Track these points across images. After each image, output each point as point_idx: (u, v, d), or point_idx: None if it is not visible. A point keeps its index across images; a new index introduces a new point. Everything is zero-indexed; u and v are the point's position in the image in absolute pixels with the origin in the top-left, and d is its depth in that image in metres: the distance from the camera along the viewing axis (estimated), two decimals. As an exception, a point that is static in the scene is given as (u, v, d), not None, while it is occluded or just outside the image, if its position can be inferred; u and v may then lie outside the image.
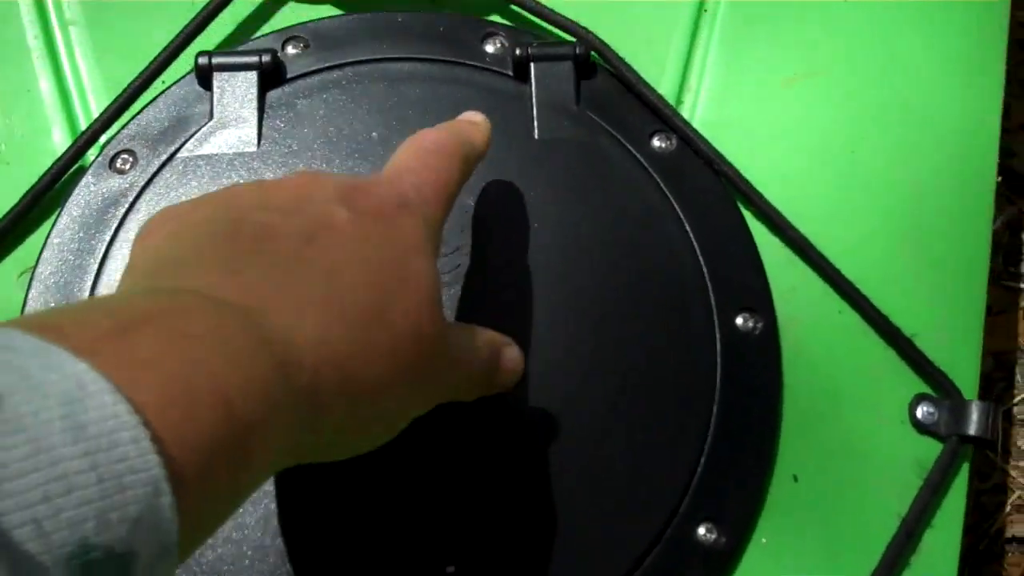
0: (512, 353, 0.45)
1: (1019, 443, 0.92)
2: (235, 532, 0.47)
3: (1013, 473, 0.91)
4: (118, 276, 0.50)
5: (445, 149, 0.43)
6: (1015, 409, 0.92)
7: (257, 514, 0.47)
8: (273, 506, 0.47)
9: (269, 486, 0.47)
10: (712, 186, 0.54)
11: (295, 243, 0.35)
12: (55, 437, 0.23)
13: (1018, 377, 0.92)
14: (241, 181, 0.52)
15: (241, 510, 0.47)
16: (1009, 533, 0.89)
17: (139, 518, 0.24)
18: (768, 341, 0.52)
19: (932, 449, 0.51)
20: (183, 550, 0.26)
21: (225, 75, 0.54)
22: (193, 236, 0.35)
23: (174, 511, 0.25)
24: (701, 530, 0.48)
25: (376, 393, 0.35)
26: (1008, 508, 0.90)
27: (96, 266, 0.51)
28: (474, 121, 0.47)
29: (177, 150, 0.53)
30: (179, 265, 0.34)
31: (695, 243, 0.52)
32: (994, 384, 0.92)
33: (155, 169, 0.53)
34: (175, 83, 0.55)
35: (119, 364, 0.26)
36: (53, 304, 0.50)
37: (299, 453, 0.34)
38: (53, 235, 0.51)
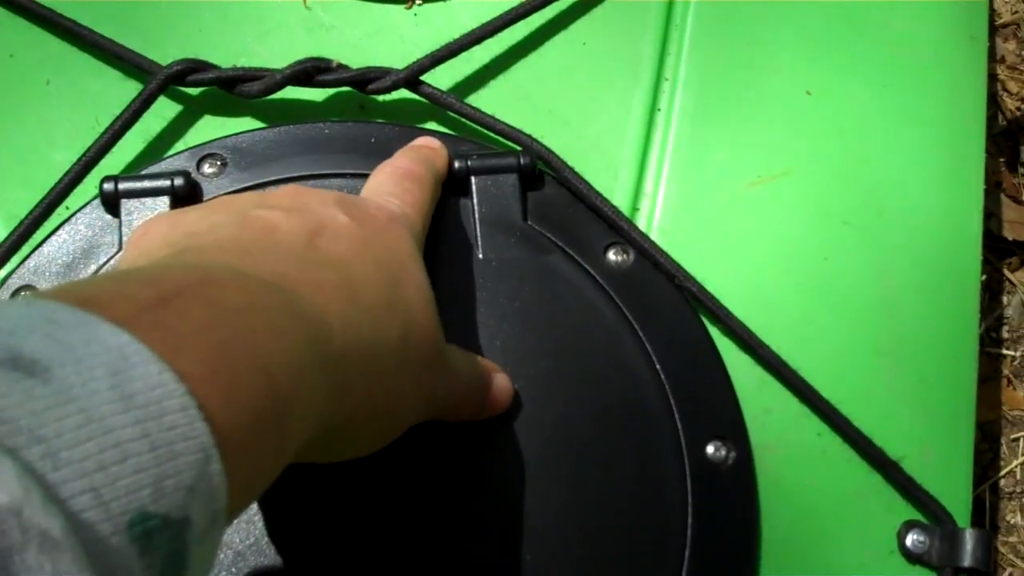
0: (502, 380, 0.47)
1: (1007, 518, 0.90)
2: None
3: (1003, 550, 0.90)
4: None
5: (415, 174, 0.46)
6: (1001, 482, 0.91)
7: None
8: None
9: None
10: (674, 302, 0.51)
11: (302, 237, 0.37)
12: (105, 407, 0.24)
13: (1003, 448, 0.91)
14: None
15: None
16: (1001, 611, 0.88)
17: (193, 486, 0.25)
18: (742, 470, 0.49)
19: (925, 581, 0.49)
20: (227, 519, 0.28)
21: (134, 202, 0.50)
22: (198, 227, 0.37)
23: (223, 478, 0.26)
24: None
25: (390, 380, 0.37)
26: (998, 586, 0.88)
27: None
28: (433, 147, 0.50)
29: (84, 285, 0.50)
30: (197, 246, 0.36)
31: (659, 366, 0.49)
32: (980, 456, 0.91)
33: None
34: (79, 210, 0.51)
35: (160, 335, 0.26)
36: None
37: (314, 442, 0.34)
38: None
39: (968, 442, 0.51)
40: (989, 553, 0.48)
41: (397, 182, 0.46)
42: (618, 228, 0.52)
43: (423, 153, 0.49)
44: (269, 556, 0.45)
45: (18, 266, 0.50)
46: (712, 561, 0.47)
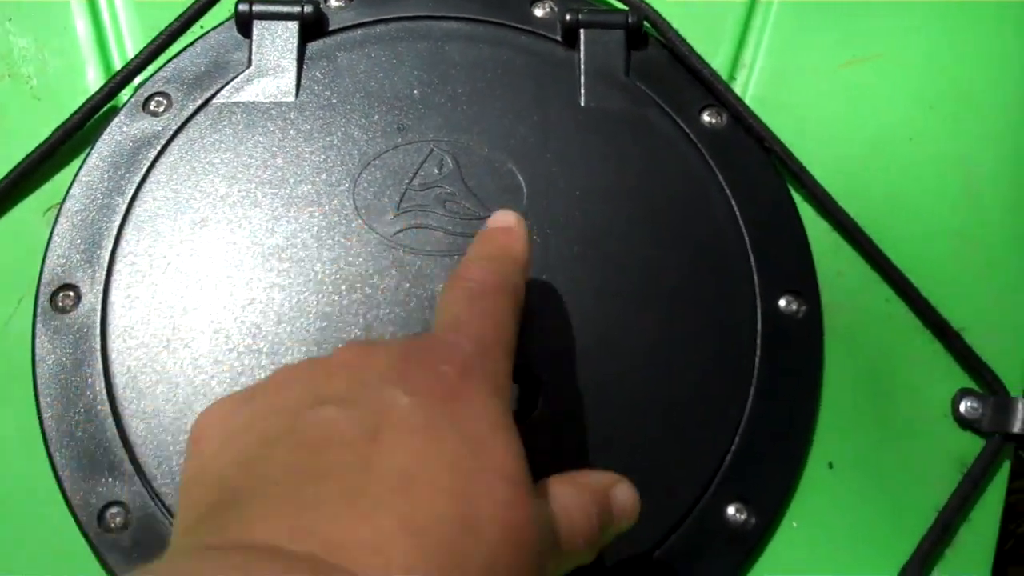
0: (624, 492, 0.41)
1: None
2: None
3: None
4: (147, 218, 0.52)
5: (493, 286, 0.42)
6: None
7: None
8: None
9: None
10: (762, 165, 0.55)
11: (360, 446, 0.33)
12: None
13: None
14: (276, 131, 0.54)
15: None
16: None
17: None
18: (811, 325, 0.53)
19: (973, 445, 0.52)
20: None
21: (265, 23, 0.55)
22: (248, 444, 0.35)
23: None
24: (731, 509, 0.49)
25: None
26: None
27: (124, 206, 0.52)
28: (508, 226, 0.46)
29: (213, 96, 0.55)
30: (243, 494, 0.33)
31: (741, 222, 0.54)
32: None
33: (189, 113, 0.54)
34: (213, 28, 0.56)
35: None
36: (78, 240, 0.52)
37: None
38: (83, 173, 0.53)
39: (1028, 322, 0.55)
40: (1039, 422, 0.52)
41: (471, 304, 0.41)
42: (715, 91, 0.56)
43: (497, 249, 0.44)
44: None
45: (154, 74, 0.56)
46: (775, 404, 0.51)
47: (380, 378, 0.36)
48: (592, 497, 0.39)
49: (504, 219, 0.46)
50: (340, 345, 0.41)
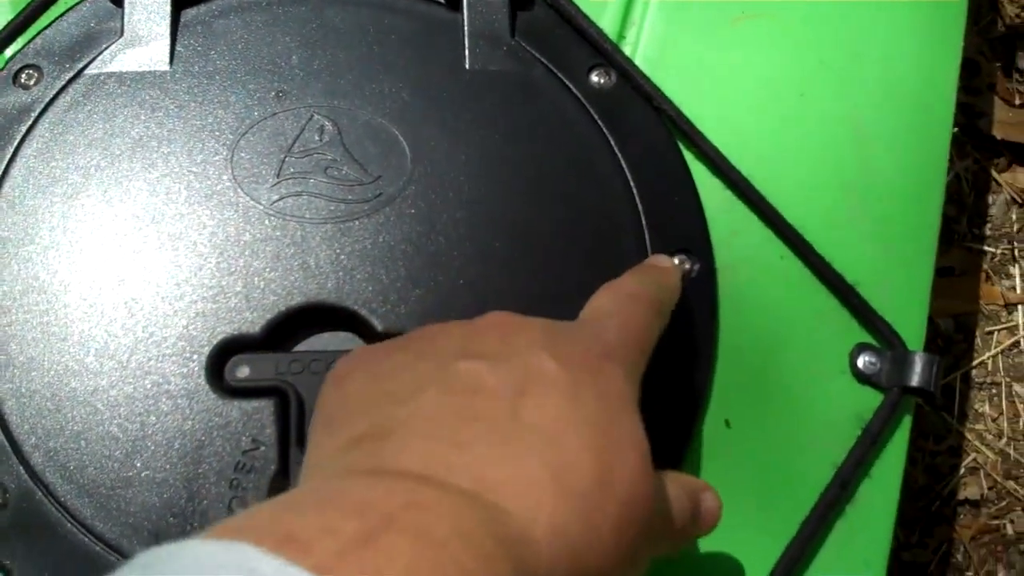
0: (712, 499, 0.43)
1: (976, 407, 0.94)
2: None
3: (969, 436, 0.93)
4: (18, 193, 0.50)
5: (644, 297, 0.44)
6: (973, 372, 0.94)
7: None
8: None
9: None
10: (651, 124, 0.55)
11: (508, 398, 0.36)
12: None
13: (978, 340, 0.94)
14: (150, 100, 0.53)
15: None
16: (961, 495, 0.92)
17: None
18: (705, 284, 0.53)
19: (873, 401, 0.52)
20: None
21: None
22: (400, 385, 0.37)
23: None
24: (627, 473, 0.49)
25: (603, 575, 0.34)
26: (962, 471, 0.92)
27: (-6, 181, 0.51)
28: (665, 267, 0.48)
29: (85, 67, 0.53)
30: (396, 426, 0.35)
31: (632, 181, 0.53)
32: (954, 346, 0.94)
33: (61, 85, 0.53)
34: (84, -1, 0.55)
35: None
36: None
37: None
38: (-51, 148, 0.52)
39: (925, 276, 0.55)
40: (936, 375, 0.52)
41: (621, 304, 0.43)
42: (602, 51, 0.55)
43: (652, 274, 0.47)
44: None
45: (24, 47, 0.54)
46: (669, 364, 0.50)
47: (529, 342, 0.38)
48: (688, 496, 0.42)
49: (662, 260, 0.49)
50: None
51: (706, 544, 0.50)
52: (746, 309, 0.53)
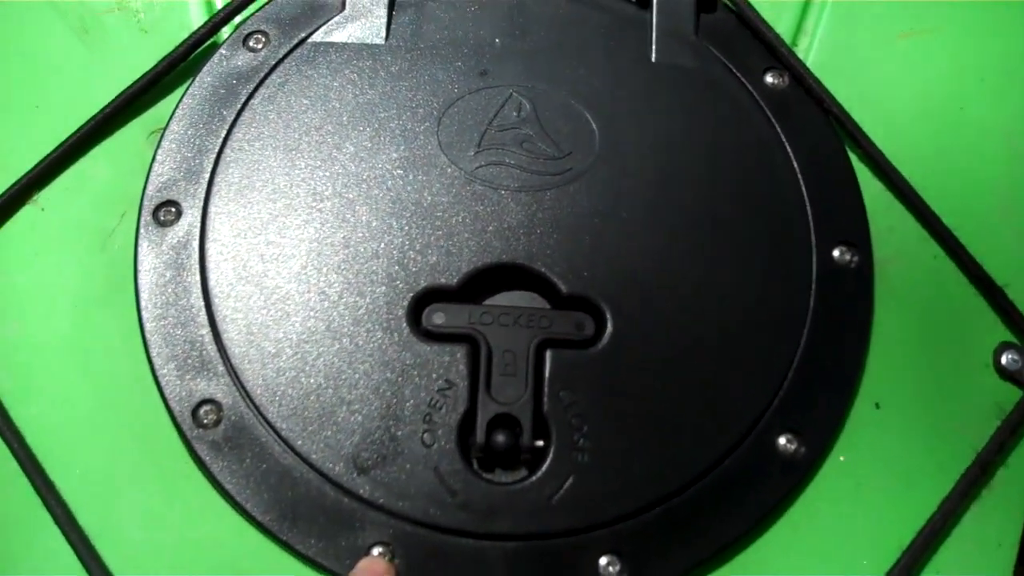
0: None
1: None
2: None
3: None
4: (244, 143, 0.56)
5: None
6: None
7: None
8: None
9: None
10: (820, 124, 0.60)
11: None
12: None
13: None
14: (367, 70, 0.59)
15: None
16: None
17: None
18: (863, 274, 0.57)
19: (1013, 395, 0.56)
20: None
21: None
22: None
23: None
24: (782, 440, 0.53)
25: None
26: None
27: (224, 132, 0.57)
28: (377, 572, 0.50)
29: (308, 36, 0.60)
30: None
31: (800, 176, 0.58)
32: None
33: (285, 51, 0.59)
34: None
35: None
36: (180, 161, 0.57)
37: None
38: (185, 100, 0.58)
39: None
40: (1076, 376, 0.56)
41: None
42: (778, 54, 0.61)
43: None
44: None
45: (253, 14, 0.61)
46: (827, 345, 0.56)
47: None
48: None
49: (377, 564, 0.50)
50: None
51: (852, 514, 0.54)
52: (899, 301, 0.58)
